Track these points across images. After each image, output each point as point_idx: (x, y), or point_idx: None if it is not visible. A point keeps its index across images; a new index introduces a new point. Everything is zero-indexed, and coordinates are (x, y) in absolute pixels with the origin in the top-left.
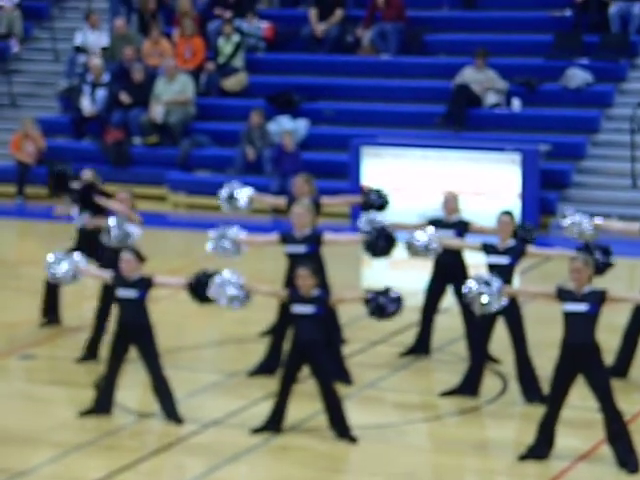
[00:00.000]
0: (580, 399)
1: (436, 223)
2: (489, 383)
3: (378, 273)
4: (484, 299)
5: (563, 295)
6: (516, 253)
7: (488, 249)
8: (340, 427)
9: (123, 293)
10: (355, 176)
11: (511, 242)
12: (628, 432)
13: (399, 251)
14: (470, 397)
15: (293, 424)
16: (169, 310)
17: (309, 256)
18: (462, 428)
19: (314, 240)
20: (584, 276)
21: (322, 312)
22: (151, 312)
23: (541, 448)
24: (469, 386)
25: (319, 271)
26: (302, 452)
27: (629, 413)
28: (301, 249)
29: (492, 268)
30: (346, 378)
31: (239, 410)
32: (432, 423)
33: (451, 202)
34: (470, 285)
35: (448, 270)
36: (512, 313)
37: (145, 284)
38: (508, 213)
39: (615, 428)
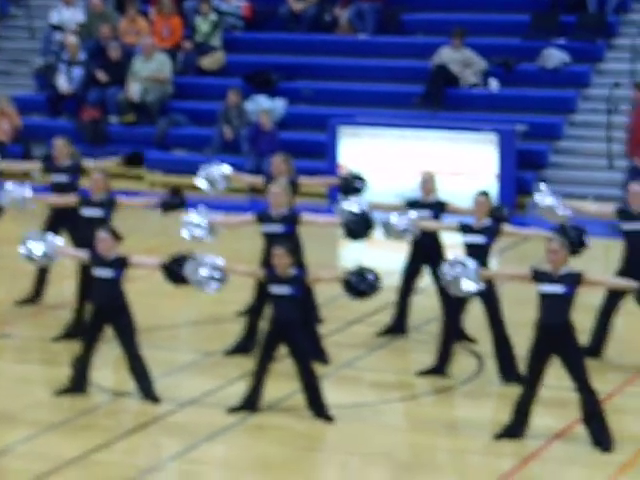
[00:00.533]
0: (556, 379)
1: (413, 204)
2: (465, 362)
3: (355, 253)
4: (463, 283)
5: (539, 276)
6: (492, 232)
7: (464, 229)
8: (317, 406)
9: (99, 272)
10: (332, 156)
11: (487, 222)
12: (603, 412)
13: (376, 231)
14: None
15: (270, 403)
16: (145, 290)
17: (286, 236)
18: (438, 407)
19: (291, 220)
20: (560, 257)
21: (299, 292)
22: (127, 292)
23: (516, 427)
24: (442, 365)
25: (296, 251)
26: (279, 431)
27: (603, 392)
28: (278, 228)
29: (468, 247)
30: (322, 357)
31: (216, 389)
32: (408, 402)
33: (428, 182)
34: (446, 268)
35: (425, 251)
36: (488, 293)
37: (121, 264)
38: (484, 193)
39: (590, 408)
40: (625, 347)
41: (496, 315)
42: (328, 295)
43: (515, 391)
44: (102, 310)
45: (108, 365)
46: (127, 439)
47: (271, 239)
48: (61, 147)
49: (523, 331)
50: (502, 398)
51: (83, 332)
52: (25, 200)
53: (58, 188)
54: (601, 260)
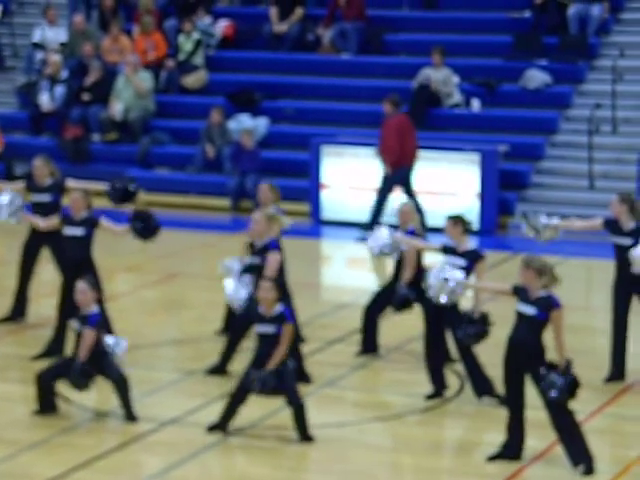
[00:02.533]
0: (536, 398)
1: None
2: (448, 381)
3: (336, 271)
4: (446, 290)
5: (519, 293)
6: (473, 257)
7: (447, 250)
8: (301, 431)
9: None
10: (315, 175)
11: (469, 245)
12: (580, 431)
13: (358, 250)
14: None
15: (252, 422)
16: (127, 308)
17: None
18: (421, 427)
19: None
20: (529, 280)
21: (281, 331)
22: (110, 310)
23: (509, 449)
24: (440, 384)
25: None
26: (260, 451)
27: (583, 413)
28: (256, 260)
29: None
30: (305, 378)
31: (197, 408)
32: (391, 422)
33: (405, 214)
34: (432, 275)
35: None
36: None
37: (91, 223)
38: (456, 217)
39: (567, 428)
40: (605, 367)
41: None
42: (309, 314)
43: (497, 410)
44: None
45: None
46: (108, 458)
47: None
48: (41, 167)
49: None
50: (484, 417)
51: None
52: (19, 209)
53: (39, 208)
54: (582, 280)
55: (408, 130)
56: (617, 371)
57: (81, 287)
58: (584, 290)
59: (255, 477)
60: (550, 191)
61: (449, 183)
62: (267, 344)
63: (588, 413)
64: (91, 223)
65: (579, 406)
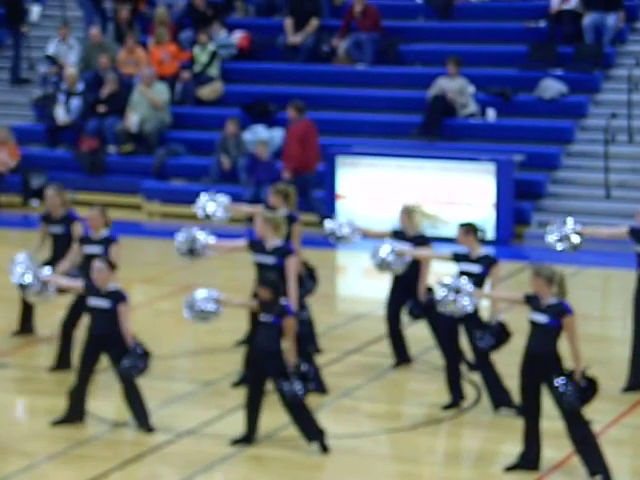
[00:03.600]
0: (552, 408)
1: (397, 234)
2: (465, 392)
3: (352, 282)
4: (457, 302)
5: (531, 302)
6: (487, 262)
7: (459, 258)
8: (306, 436)
9: (95, 303)
10: (331, 185)
11: (482, 251)
12: (596, 441)
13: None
14: (461, 405)
15: (267, 434)
16: (144, 319)
17: (276, 268)
18: (437, 437)
19: (282, 253)
20: (538, 287)
21: (279, 322)
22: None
23: (526, 459)
24: (457, 394)
25: (284, 282)
26: (276, 462)
27: (601, 423)
28: (269, 260)
29: (463, 276)
30: (321, 388)
31: (213, 420)
32: (407, 432)
33: (407, 215)
34: (441, 287)
35: (407, 282)
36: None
37: (117, 297)
38: (468, 225)
39: (582, 438)
40: (623, 378)
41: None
42: (325, 325)
43: (513, 421)
44: (98, 340)
45: (106, 395)
46: (124, 469)
47: (261, 269)
48: (53, 197)
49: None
50: (501, 427)
51: (74, 361)
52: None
53: (55, 240)
54: (599, 290)
55: (311, 136)
56: (635, 380)
57: (98, 266)
58: (601, 300)
59: None
60: (566, 201)
61: (465, 193)
62: (264, 335)
63: (606, 423)
64: (108, 242)
65: (597, 416)
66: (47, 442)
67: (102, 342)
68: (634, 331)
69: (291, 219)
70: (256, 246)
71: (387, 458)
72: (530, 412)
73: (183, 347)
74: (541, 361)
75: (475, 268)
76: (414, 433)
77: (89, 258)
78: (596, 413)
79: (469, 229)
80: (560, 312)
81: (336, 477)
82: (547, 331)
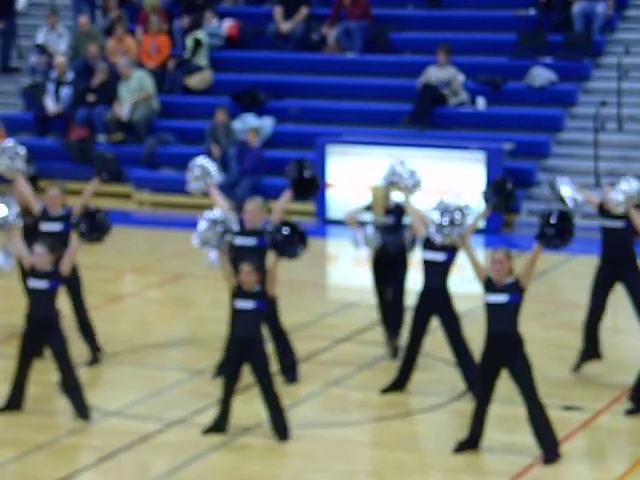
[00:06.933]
0: (544, 396)
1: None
2: (453, 380)
3: (343, 271)
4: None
5: (487, 284)
6: (452, 249)
7: (426, 244)
8: (278, 424)
9: (34, 284)
10: (321, 174)
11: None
12: (551, 423)
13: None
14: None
15: (256, 422)
16: (134, 309)
17: (258, 250)
18: (427, 426)
19: (264, 233)
20: (505, 268)
21: (263, 307)
22: (116, 310)
23: (471, 441)
24: (400, 381)
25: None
26: (265, 451)
27: (591, 410)
28: (250, 242)
29: (427, 264)
30: (294, 377)
31: (203, 409)
32: (397, 421)
33: (379, 199)
34: (436, 217)
35: (388, 266)
36: (447, 313)
37: (58, 275)
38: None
39: (539, 421)
40: (612, 365)
41: (456, 332)
42: (316, 313)
43: (504, 408)
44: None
45: (95, 385)
46: (115, 459)
47: (242, 252)
48: (56, 197)
49: None
50: (492, 415)
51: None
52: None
53: (48, 237)
54: (587, 278)
55: None
56: (587, 355)
57: (39, 251)
58: (589, 287)
59: (261, 477)
60: None
61: (455, 182)
62: (244, 321)
63: (596, 411)
64: (68, 218)
65: (587, 404)
66: (37, 431)
67: (41, 326)
68: (590, 307)
69: None
70: (240, 229)
71: (376, 446)
72: (483, 396)
73: (173, 336)
74: (506, 342)
75: (439, 256)
76: (404, 422)
77: (47, 235)
78: (587, 401)
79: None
80: (516, 286)
81: (325, 465)
82: (508, 310)
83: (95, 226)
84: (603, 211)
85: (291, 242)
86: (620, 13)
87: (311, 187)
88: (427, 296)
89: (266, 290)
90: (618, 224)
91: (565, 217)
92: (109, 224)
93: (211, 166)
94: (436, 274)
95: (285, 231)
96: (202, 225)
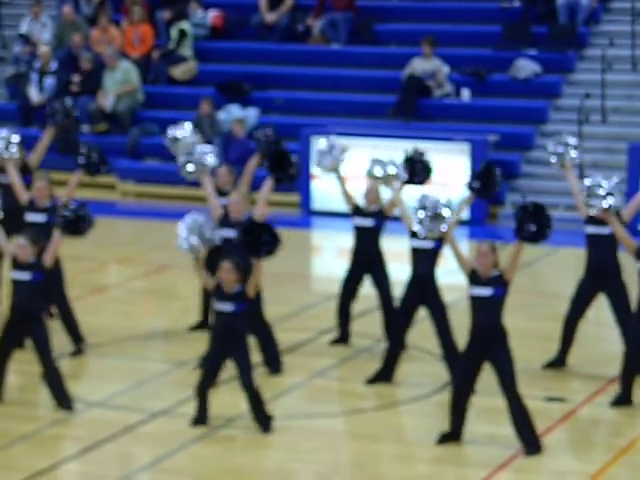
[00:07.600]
0: (526, 387)
1: (357, 210)
2: (437, 372)
3: (327, 262)
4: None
5: (473, 277)
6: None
7: (414, 232)
8: (259, 416)
9: (18, 276)
10: (305, 165)
11: None
12: (531, 417)
13: (349, 240)
14: (387, 383)
15: (240, 414)
16: (118, 299)
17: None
18: (411, 417)
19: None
20: (490, 261)
21: (242, 309)
22: (100, 301)
23: (453, 433)
24: (386, 372)
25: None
26: (249, 442)
27: (573, 402)
28: (234, 233)
29: (416, 251)
30: (278, 367)
31: (187, 399)
32: (381, 412)
33: (372, 192)
34: (418, 212)
35: (366, 258)
36: (435, 303)
37: (40, 267)
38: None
39: (519, 415)
40: (594, 357)
41: (443, 324)
42: (299, 305)
43: (492, 400)
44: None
45: (78, 376)
46: (98, 449)
47: (226, 243)
48: (43, 189)
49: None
50: (473, 407)
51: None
52: None
53: (33, 228)
54: (572, 269)
55: None
56: (562, 356)
57: (21, 243)
58: (574, 279)
59: (245, 468)
60: (540, 181)
61: (439, 173)
62: (225, 321)
63: (578, 402)
64: (54, 210)
65: (570, 395)
66: (20, 422)
67: (24, 318)
68: (569, 314)
69: None
70: (224, 220)
71: (360, 437)
72: (462, 388)
73: (157, 327)
74: (490, 335)
75: (427, 244)
76: (388, 413)
77: (32, 226)
78: (569, 392)
79: None
80: (501, 280)
81: (309, 457)
82: (493, 303)
83: (77, 220)
84: (589, 218)
85: (264, 242)
86: (604, 5)
87: (284, 160)
88: (416, 284)
89: (246, 290)
90: (604, 231)
91: (540, 210)
92: (91, 218)
93: (209, 153)
94: (425, 261)
95: (259, 234)
96: (183, 231)
